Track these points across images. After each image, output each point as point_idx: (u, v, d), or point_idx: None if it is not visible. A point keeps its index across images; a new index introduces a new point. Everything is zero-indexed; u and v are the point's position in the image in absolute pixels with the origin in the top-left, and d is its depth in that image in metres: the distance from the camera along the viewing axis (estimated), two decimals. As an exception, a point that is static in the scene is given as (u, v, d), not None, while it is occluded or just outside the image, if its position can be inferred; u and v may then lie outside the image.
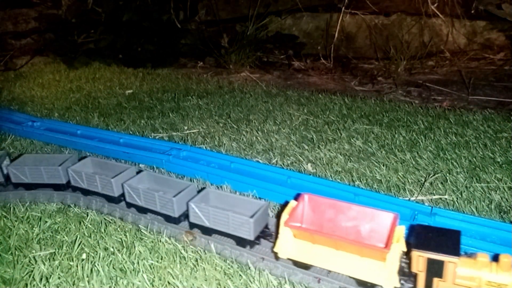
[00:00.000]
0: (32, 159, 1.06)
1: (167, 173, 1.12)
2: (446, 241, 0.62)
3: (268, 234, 0.80)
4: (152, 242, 0.81)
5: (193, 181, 1.05)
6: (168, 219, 0.86)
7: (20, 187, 1.02)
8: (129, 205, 0.91)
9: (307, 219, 0.74)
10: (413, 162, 1.12)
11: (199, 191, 0.86)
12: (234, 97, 1.78)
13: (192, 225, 0.82)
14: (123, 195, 0.91)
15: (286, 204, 0.75)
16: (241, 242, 0.77)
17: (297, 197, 0.76)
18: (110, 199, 0.94)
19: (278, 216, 0.76)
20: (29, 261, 0.77)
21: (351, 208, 0.72)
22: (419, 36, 2.36)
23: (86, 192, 0.97)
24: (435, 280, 0.62)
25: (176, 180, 0.93)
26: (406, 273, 0.67)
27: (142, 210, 0.89)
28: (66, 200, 0.98)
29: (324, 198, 0.74)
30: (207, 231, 0.81)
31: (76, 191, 0.99)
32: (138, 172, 0.95)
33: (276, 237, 0.72)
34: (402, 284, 0.66)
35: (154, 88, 1.98)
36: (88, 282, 0.71)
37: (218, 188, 1.02)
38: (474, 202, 0.93)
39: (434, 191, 0.99)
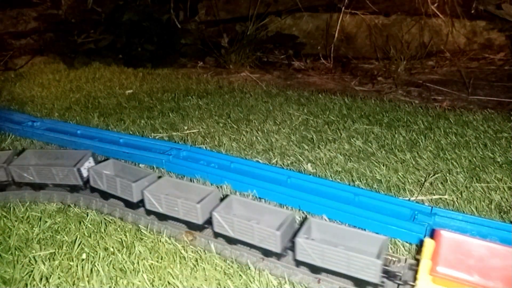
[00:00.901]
0: (115, 166, 1.00)
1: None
2: None
3: (392, 274, 0.69)
4: (152, 242, 0.81)
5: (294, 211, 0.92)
6: (267, 253, 0.77)
7: (95, 192, 0.97)
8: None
9: (446, 261, 0.62)
10: (413, 162, 1.12)
11: (301, 223, 0.76)
12: (234, 97, 1.78)
13: (299, 263, 0.73)
14: None
15: (421, 243, 0.67)
16: (362, 284, 0.68)
17: (432, 235, 0.66)
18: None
19: (416, 259, 0.68)
20: (29, 261, 0.76)
21: (501, 250, 0.60)
22: (419, 36, 2.36)
23: (163, 217, 0.87)
24: None
25: (275, 208, 0.83)
26: None
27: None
28: (66, 200, 0.98)
29: (465, 237, 0.63)
30: (316, 270, 0.72)
31: (151, 215, 0.89)
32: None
33: (414, 284, 0.64)
34: None
35: (154, 88, 1.98)
36: (88, 282, 0.71)
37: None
38: (474, 202, 0.92)
39: (434, 191, 0.98)
